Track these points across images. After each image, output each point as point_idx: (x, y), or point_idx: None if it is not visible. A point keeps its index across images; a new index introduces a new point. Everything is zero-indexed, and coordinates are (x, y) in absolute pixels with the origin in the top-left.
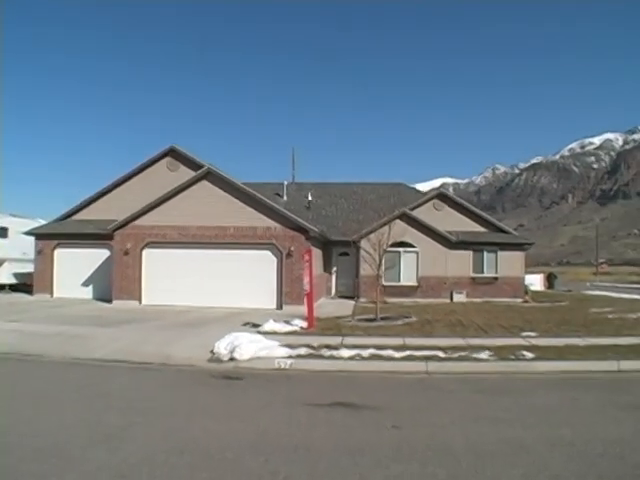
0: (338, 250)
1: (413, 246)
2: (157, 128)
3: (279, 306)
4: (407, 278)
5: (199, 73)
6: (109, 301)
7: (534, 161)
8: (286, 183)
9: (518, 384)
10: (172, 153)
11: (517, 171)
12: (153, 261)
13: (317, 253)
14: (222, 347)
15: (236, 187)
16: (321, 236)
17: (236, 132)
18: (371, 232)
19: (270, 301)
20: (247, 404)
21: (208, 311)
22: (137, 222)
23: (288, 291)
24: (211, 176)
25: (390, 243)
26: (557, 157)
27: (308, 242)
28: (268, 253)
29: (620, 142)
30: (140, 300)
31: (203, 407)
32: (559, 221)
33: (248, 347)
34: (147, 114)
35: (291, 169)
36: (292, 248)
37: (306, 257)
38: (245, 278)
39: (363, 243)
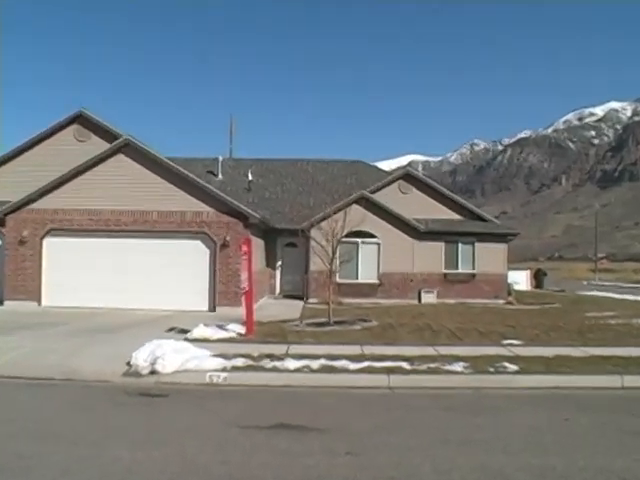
0: (284, 240)
1: (374, 236)
2: (70, 97)
3: (212, 307)
4: (366, 275)
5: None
6: None
7: (521, 135)
8: (221, 159)
9: (498, 402)
10: (81, 119)
11: (500, 147)
12: (57, 253)
13: (258, 244)
14: (141, 358)
15: (160, 163)
16: (263, 223)
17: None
18: (323, 219)
19: (201, 301)
20: (171, 427)
21: (125, 314)
22: (36, 204)
23: (223, 290)
24: (130, 149)
25: (346, 232)
26: (549, 131)
27: (247, 230)
28: (199, 244)
29: (628, 113)
30: (40, 301)
31: (116, 432)
32: (550, 207)
33: (173, 358)
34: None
35: (228, 142)
36: (228, 237)
37: (244, 248)
38: (171, 274)
39: (314, 232)
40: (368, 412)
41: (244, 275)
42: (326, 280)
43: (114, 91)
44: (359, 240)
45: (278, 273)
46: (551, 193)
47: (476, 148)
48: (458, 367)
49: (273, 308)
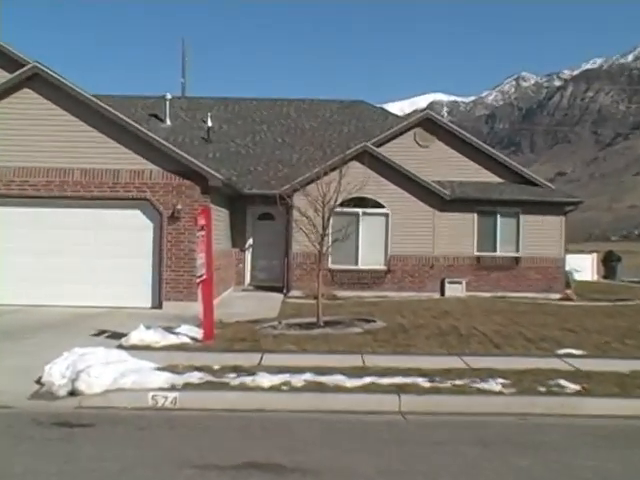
0: (256, 211)
1: (380, 205)
2: None
3: (157, 303)
4: (369, 258)
5: None
6: None
7: (588, 66)
8: (170, 97)
9: (552, 435)
10: None
11: (558, 83)
12: None
13: (221, 215)
14: (57, 373)
15: (83, 101)
16: (228, 187)
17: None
18: (311, 181)
19: (142, 295)
20: (99, 469)
21: (39, 312)
22: None
23: (172, 278)
24: (41, 81)
25: (342, 200)
26: (629, 59)
27: (206, 197)
28: (138, 215)
29: None
30: None
31: (21, 478)
32: (628, 167)
33: (102, 372)
34: None
35: (179, 75)
36: (179, 206)
37: (202, 221)
38: (99, 257)
39: (298, 199)
40: (370, 447)
41: (201, 259)
42: (314, 266)
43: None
44: (360, 211)
45: (248, 256)
46: (630, 147)
47: (524, 84)
48: (495, 385)
49: (241, 304)
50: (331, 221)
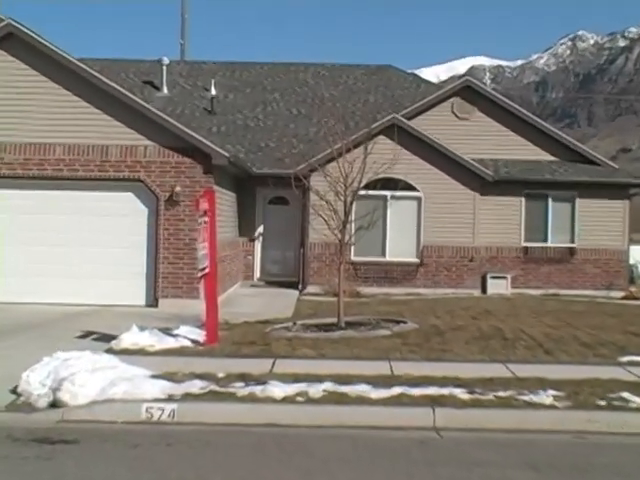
0: (267, 194)
1: (412, 187)
2: None
3: (152, 300)
4: (399, 249)
5: None
6: None
7: None
8: (167, 62)
9: (612, 456)
10: None
11: (622, 44)
12: None
13: (227, 199)
14: (36, 381)
15: (67, 65)
16: (235, 166)
17: None
18: (331, 159)
19: (135, 291)
20: None
21: (16, 310)
22: None
23: (169, 272)
24: (17, 42)
25: (368, 181)
26: None
27: (209, 177)
28: (131, 198)
29: None
30: None
31: None
32: None
33: (88, 381)
34: None
35: (178, 36)
36: (178, 189)
37: (204, 206)
38: (87, 248)
39: (316, 180)
40: (399, 469)
41: (203, 249)
42: (334, 258)
43: None
44: (388, 194)
45: (258, 246)
46: None
47: (581, 45)
48: (546, 398)
49: (250, 301)
50: (354, 206)
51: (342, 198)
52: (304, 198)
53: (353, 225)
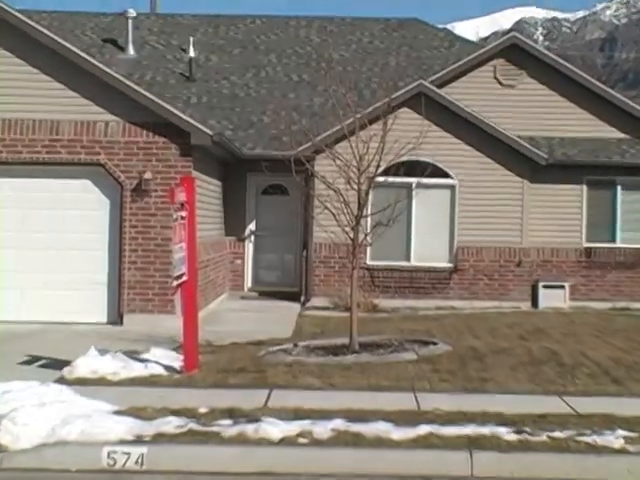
0: (261, 182)
1: (443, 173)
2: None
3: (115, 316)
4: (427, 251)
5: None
6: None
7: None
8: (133, 15)
9: None
10: None
11: None
12: None
13: (210, 189)
14: None
15: (6, 19)
16: (221, 146)
17: None
18: (342, 138)
19: (93, 304)
20: None
21: None
22: None
23: (137, 280)
24: None
25: (387, 165)
26: None
27: (188, 161)
28: (88, 187)
29: None
30: None
31: None
32: None
33: (34, 418)
34: None
35: None
36: (148, 175)
37: (181, 197)
38: (31, 249)
39: (321, 164)
40: None
41: (180, 251)
42: (345, 262)
43: None
44: (413, 181)
45: (249, 248)
46: None
47: None
48: (615, 440)
49: (239, 317)
50: (371, 196)
51: (355, 187)
52: (307, 187)
53: (369, 221)
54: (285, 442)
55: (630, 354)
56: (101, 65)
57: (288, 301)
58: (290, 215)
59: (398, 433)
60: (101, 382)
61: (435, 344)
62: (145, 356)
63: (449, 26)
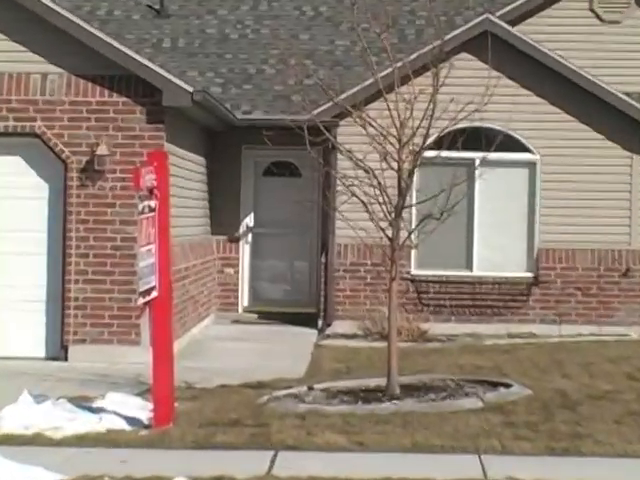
0: (261, 159)
1: (519, 145)
2: None
3: (57, 349)
4: (497, 256)
5: None
6: None
7: None
8: None
9: None
10: None
11: None
12: None
13: (191, 169)
14: None
15: None
16: (205, 109)
17: None
18: (375, 97)
19: (29, 332)
20: None
21: None
22: None
23: (87, 297)
24: None
25: (438, 134)
26: None
27: (158, 130)
28: (19, 165)
29: None
30: None
31: None
32: None
33: None
34: None
35: None
36: (102, 150)
37: (150, 180)
38: None
39: (347, 133)
40: None
41: (148, 257)
42: (380, 270)
43: None
44: (476, 157)
45: (245, 252)
46: None
47: None
48: None
49: (231, 349)
50: (416, 178)
51: (395, 165)
52: (327, 165)
53: (414, 213)
54: None
55: None
56: None
57: (300, 326)
58: (303, 205)
59: None
60: (38, 441)
61: (508, 386)
62: (100, 404)
63: None
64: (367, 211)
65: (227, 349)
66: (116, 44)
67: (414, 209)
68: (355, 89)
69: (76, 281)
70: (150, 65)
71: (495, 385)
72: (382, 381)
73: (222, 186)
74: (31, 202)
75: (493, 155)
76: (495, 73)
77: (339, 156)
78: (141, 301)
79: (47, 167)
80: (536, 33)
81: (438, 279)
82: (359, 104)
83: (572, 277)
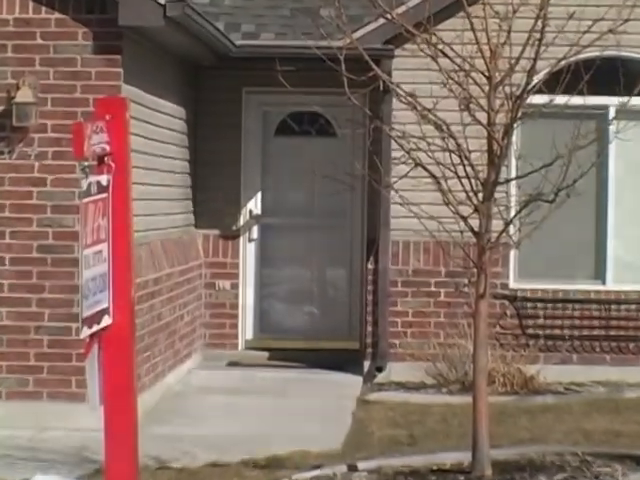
0: (273, 107)
1: None
2: None
3: None
4: None
5: None
6: None
7: None
8: None
9: None
10: None
11: None
12: None
13: (163, 126)
14: None
15: None
16: (186, 32)
17: None
18: (450, 13)
19: None
20: None
21: None
22: None
23: (4, 325)
24: None
25: (551, 69)
26: None
27: (112, 66)
28: None
29: None
30: None
31: None
32: None
33: None
34: None
35: None
36: (24, 95)
37: (98, 141)
38: None
39: (404, 66)
40: None
41: (96, 262)
42: (459, 283)
43: None
44: (610, 103)
45: (249, 254)
46: None
47: None
48: None
49: (225, 407)
50: (516, 138)
51: (483, 117)
52: (376, 118)
53: (513, 193)
54: None
55: None
56: None
57: (335, 370)
58: (337, 181)
59: None
60: None
61: None
62: None
63: None
64: (440, 190)
65: (220, 407)
66: None
67: (513, 186)
68: (413, 2)
69: None
70: None
71: (639, 462)
72: (465, 456)
73: (212, 152)
74: None
75: (637, 102)
76: None
77: (395, 104)
78: (86, 333)
79: None
80: None
81: (552, 297)
82: (426, 22)
83: None
